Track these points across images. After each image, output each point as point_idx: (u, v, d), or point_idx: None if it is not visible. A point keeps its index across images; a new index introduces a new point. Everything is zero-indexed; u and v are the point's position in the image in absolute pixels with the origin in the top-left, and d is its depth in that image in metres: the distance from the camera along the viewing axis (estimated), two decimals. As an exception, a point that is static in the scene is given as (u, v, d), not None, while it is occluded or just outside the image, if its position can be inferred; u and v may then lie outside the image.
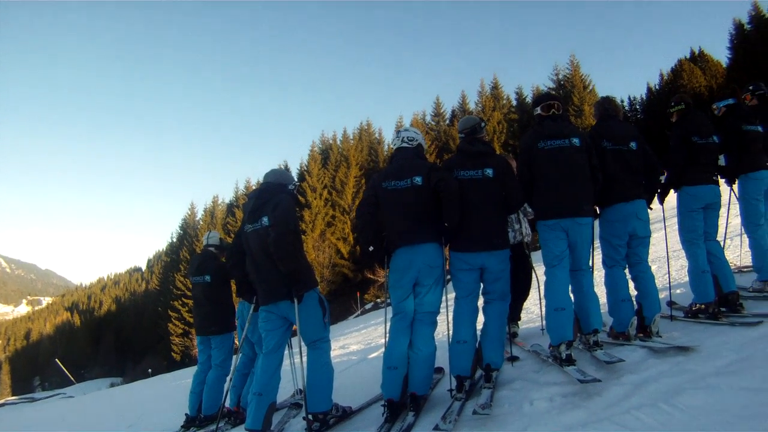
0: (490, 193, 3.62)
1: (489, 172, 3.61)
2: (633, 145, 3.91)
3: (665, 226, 4.77)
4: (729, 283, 4.14)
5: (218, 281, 5.18)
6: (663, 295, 4.52)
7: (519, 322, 5.38)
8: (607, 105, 4.16)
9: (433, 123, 42.13)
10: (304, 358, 3.82)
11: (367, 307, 27.16)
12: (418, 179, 3.53)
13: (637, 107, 50.88)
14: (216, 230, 39.63)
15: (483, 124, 3.91)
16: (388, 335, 3.67)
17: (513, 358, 4.02)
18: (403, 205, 3.55)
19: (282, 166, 41.37)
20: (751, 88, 5.17)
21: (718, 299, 4.10)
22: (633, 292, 3.94)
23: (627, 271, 4.00)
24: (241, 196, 42.67)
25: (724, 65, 42.37)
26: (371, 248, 3.62)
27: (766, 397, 2.52)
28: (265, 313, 3.85)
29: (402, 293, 3.58)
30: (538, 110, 3.84)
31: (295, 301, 3.61)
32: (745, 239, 4.63)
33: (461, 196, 3.48)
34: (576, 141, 3.65)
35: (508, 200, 3.68)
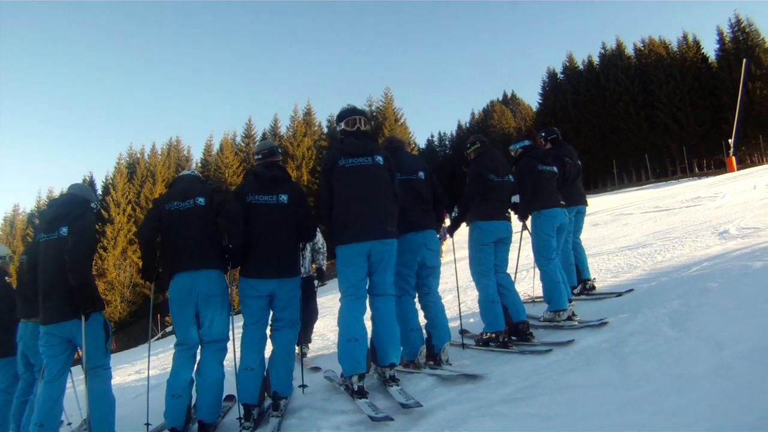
0: (283, 219, 3.58)
1: (283, 198, 3.59)
2: (421, 174, 3.99)
3: (455, 259, 4.96)
4: (519, 312, 4.33)
5: None
6: (455, 324, 4.67)
7: (310, 344, 5.48)
8: (391, 139, 4.33)
9: (243, 144, 42.25)
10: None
11: (168, 329, 25.58)
12: (201, 200, 3.51)
13: (447, 143, 56.57)
14: (15, 241, 34.32)
15: (279, 150, 3.92)
16: (172, 363, 3.46)
17: (303, 386, 3.87)
18: (186, 227, 3.43)
19: (87, 178, 39.60)
20: (543, 134, 5.71)
21: (508, 328, 4.28)
22: (423, 321, 3.97)
23: (417, 300, 4.01)
24: (44, 205, 38.91)
25: (534, 109, 48.79)
26: (151, 273, 3.48)
27: (551, 423, 2.58)
28: (48, 337, 3.49)
29: (184, 325, 3.43)
30: (342, 125, 3.70)
31: (82, 319, 3.33)
32: (537, 272, 4.96)
33: (254, 221, 3.46)
34: (380, 159, 3.55)
35: (299, 228, 3.66)
